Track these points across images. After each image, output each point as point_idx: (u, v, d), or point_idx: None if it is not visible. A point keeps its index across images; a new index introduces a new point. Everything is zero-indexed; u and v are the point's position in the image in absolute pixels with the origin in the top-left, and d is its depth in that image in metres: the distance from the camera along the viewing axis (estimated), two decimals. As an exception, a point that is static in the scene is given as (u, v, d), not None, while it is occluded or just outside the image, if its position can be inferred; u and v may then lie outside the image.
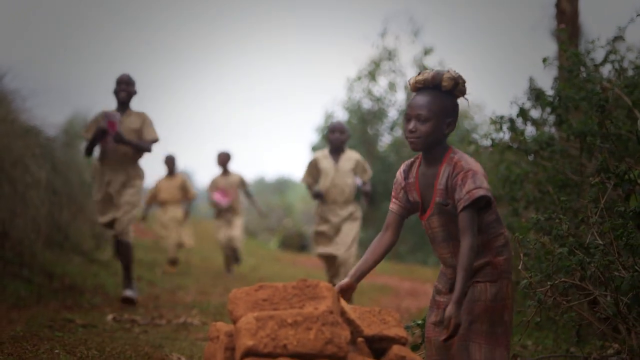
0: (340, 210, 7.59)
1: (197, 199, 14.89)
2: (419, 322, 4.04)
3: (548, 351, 5.17)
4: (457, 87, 3.46)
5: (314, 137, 23.15)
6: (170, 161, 11.91)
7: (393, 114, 20.89)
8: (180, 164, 11.96)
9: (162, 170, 11.91)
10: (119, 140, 7.03)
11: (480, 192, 3.30)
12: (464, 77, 3.47)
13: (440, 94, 3.46)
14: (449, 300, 3.39)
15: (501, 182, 6.19)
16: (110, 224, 7.37)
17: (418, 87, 3.50)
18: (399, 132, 20.78)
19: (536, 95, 5.82)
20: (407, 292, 11.14)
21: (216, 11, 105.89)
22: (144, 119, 7.30)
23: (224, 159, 11.60)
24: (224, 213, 11.52)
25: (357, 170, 7.64)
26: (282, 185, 39.41)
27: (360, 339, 3.24)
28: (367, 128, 21.10)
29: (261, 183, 42.32)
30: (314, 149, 22.76)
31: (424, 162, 3.55)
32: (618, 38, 5.74)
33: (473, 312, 3.40)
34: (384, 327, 3.30)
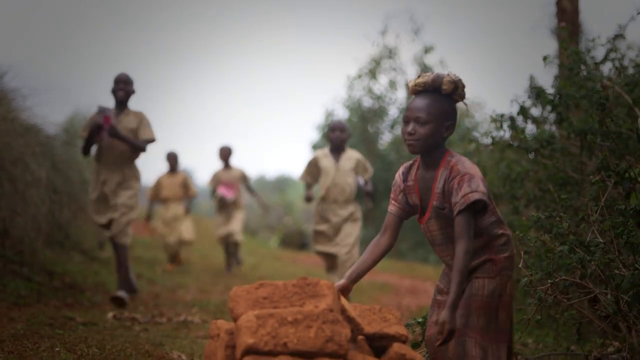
0: (340, 210, 7.53)
1: (198, 197, 14.84)
2: (420, 320, 4.04)
3: (548, 349, 5.17)
4: (457, 90, 3.47)
5: (315, 135, 23.17)
6: (172, 158, 11.89)
7: (393, 112, 20.87)
8: (181, 164, 11.89)
9: (163, 168, 11.87)
10: (114, 135, 6.99)
11: (476, 196, 3.30)
12: (464, 77, 3.48)
13: (439, 97, 3.47)
14: None
15: (502, 181, 6.20)
16: (107, 225, 7.33)
17: (418, 90, 3.50)
18: (399, 130, 20.75)
19: (537, 93, 5.82)
20: (407, 290, 11.14)
21: (216, 11, 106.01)
22: (141, 118, 7.24)
23: (225, 153, 11.59)
24: (225, 207, 11.50)
25: (358, 169, 7.59)
26: (282, 184, 39.40)
27: (360, 337, 3.25)
28: (367, 126, 21.07)
29: (261, 181, 42.29)
30: (315, 147, 22.75)
31: (422, 165, 3.55)
32: (618, 36, 5.74)
33: (470, 307, 3.41)
34: (384, 325, 3.31)
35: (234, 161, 11.99)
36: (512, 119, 5.89)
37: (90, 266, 9.46)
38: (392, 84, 20.74)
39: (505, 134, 6.02)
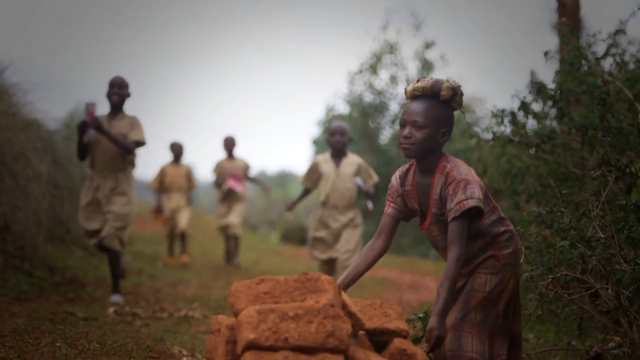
0: (340, 216, 7.40)
1: (198, 190, 14.82)
2: (420, 315, 4.04)
3: (549, 344, 5.18)
4: (455, 97, 3.46)
5: (316, 131, 23.17)
6: (177, 148, 11.84)
7: (394, 107, 20.86)
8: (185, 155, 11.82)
9: (165, 162, 11.74)
10: (98, 128, 6.80)
11: (471, 203, 3.29)
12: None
13: (437, 103, 3.45)
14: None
15: (502, 176, 6.20)
16: (96, 232, 7.11)
17: (416, 95, 3.49)
18: (400, 126, 20.71)
19: (537, 88, 5.82)
20: (408, 285, 11.14)
21: (216, 11, 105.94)
22: (132, 122, 7.07)
23: (230, 144, 11.54)
24: (228, 198, 11.45)
25: (360, 174, 7.44)
26: (283, 179, 39.38)
27: (361, 332, 3.25)
28: (368, 121, 21.06)
29: (262, 176, 42.25)
30: (315, 142, 22.76)
31: (418, 171, 3.54)
32: (619, 31, 5.74)
33: (469, 302, 3.42)
34: (385, 320, 3.31)
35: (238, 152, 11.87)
36: (513, 114, 5.89)
37: (91, 261, 9.47)
38: (393, 79, 20.73)
39: (506, 129, 6.02)
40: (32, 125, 8.78)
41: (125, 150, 7.00)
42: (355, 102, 21.17)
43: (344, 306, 3.10)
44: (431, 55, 20.83)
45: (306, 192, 7.72)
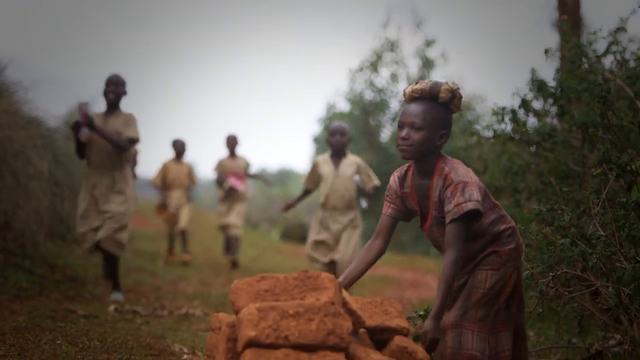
0: (340, 217, 7.36)
1: (198, 188, 14.80)
2: (421, 313, 4.04)
3: (550, 342, 5.18)
4: (454, 100, 3.45)
5: (317, 128, 23.18)
6: (179, 145, 11.81)
7: (395, 105, 20.88)
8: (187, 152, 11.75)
9: (167, 159, 11.71)
10: (91, 126, 6.78)
11: (469, 206, 3.29)
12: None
13: (436, 105, 3.45)
14: (454, 287, 3.42)
15: (503, 173, 6.19)
16: (92, 232, 7.02)
17: (414, 97, 3.48)
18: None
19: (538, 86, 5.81)
20: (409, 283, 11.14)
21: (216, 11, 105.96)
22: (127, 119, 7.04)
23: (232, 142, 11.51)
24: (230, 196, 11.41)
25: (360, 175, 7.38)
26: (283, 176, 39.38)
27: (362, 330, 3.25)
28: (369, 119, 21.08)
29: (263, 172, 42.31)
30: (316, 140, 22.76)
31: (417, 173, 3.53)
32: (620, 29, 5.73)
33: (470, 299, 3.42)
34: (385, 318, 3.31)
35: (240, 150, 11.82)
36: (513, 111, 5.88)
37: (91, 259, 9.45)
38: (394, 77, 20.76)
39: (507, 126, 6.01)
40: (33, 123, 8.79)
41: (119, 148, 6.96)
42: (356, 100, 21.19)
43: (344, 304, 3.10)
44: (432, 53, 20.86)
45: (306, 192, 7.70)
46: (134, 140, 7.03)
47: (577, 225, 4.44)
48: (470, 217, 3.33)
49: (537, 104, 6.08)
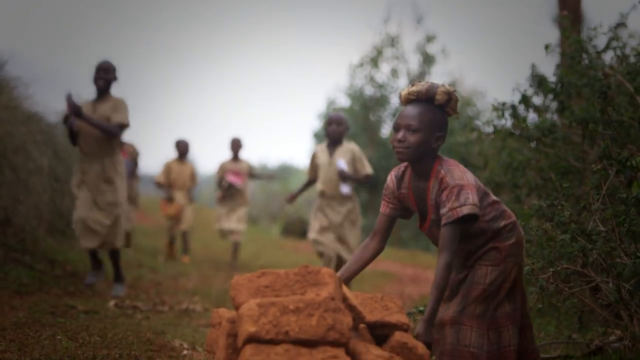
0: (338, 207, 7.37)
1: (200, 185, 14.78)
2: (421, 308, 4.04)
3: (550, 338, 5.18)
4: (450, 102, 3.44)
5: (317, 124, 23.16)
6: (183, 146, 11.80)
7: (395, 100, 20.86)
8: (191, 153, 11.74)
9: (169, 158, 11.68)
10: (78, 115, 6.77)
11: (465, 211, 3.27)
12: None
13: (432, 107, 3.44)
14: (454, 282, 3.43)
15: (503, 169, 6.19)
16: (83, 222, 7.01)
17: (410, 99, 3.47)
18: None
19: (538, 82, 5.81)
20: (409, 279, 11.14)
21: (216, 11, 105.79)
22: (116, 104, 7.00)
23: (236, 145, 11.48)
24: (229, 198, 11.38)
25: (354, 163, 7.37)
26: (284, 172, 39.39)
27: (362, 326, 3.25)
28: (369, 115, 21.07)
29: (263, 170, 42.32)
30: (316, 135, 22.74)
31: (413, 175, 3.52)
32: (620, 25, 5.72)
33: (469, 295, 3.42)
34: (386, 313, 3.31)
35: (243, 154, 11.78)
36: (513, 107, 5.88)
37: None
38: (394, 73, 20.75)
39: (507, 122, 6.01)
40: (33, 119, 8.78)
41: (108, 134, 6.94)
42: (356, 95, 21.18)
43: (344, 299, 3.10)
44: (432, 48, 20.84)
45: (309, 183, 7.72)
46: (123, 125, 6.99)
47: (577, 221, 4.44)
48: (465, 221, 3.33)
49: (537, 100, 6.08)
